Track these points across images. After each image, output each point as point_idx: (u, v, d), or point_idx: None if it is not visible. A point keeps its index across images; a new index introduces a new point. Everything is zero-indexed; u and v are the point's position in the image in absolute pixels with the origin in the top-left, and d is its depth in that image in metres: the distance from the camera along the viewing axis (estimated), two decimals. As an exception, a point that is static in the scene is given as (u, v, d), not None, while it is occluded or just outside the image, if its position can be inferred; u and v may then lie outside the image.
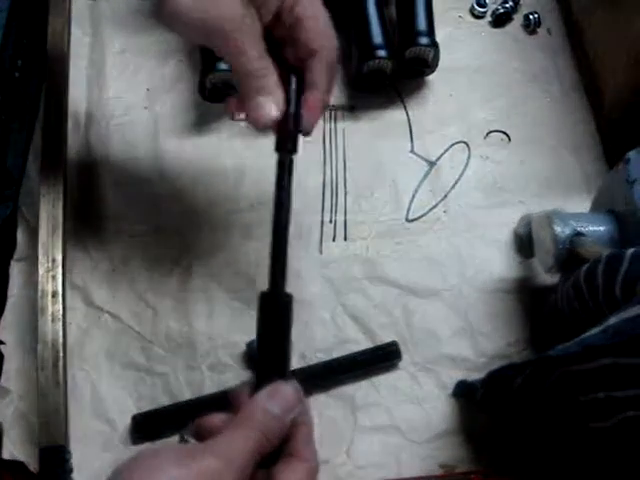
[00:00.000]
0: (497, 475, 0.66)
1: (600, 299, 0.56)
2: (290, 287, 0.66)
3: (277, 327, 0.52)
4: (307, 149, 0.64)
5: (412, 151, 0.80)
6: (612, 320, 0.52)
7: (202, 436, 0.49)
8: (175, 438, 0.67)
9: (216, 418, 0.51)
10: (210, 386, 0.70)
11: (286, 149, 0.56)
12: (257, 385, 0.50)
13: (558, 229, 0.65)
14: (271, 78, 0.56)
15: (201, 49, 0.79)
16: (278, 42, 0.58)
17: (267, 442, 0.47)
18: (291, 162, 0.56)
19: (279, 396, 0.49)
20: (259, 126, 0.56)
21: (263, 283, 0.71)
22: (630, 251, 0.54)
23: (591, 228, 0.65)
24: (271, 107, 0.55)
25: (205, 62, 0.77)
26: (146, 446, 0.67)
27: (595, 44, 0.83)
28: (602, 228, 0.65)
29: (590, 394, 0.55)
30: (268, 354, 0.52)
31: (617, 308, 0.53)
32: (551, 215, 0.66)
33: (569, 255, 0.64)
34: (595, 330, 0.53)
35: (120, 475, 0.44)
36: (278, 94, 0.56)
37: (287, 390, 0.50)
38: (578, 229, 0.64)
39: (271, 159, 0.77)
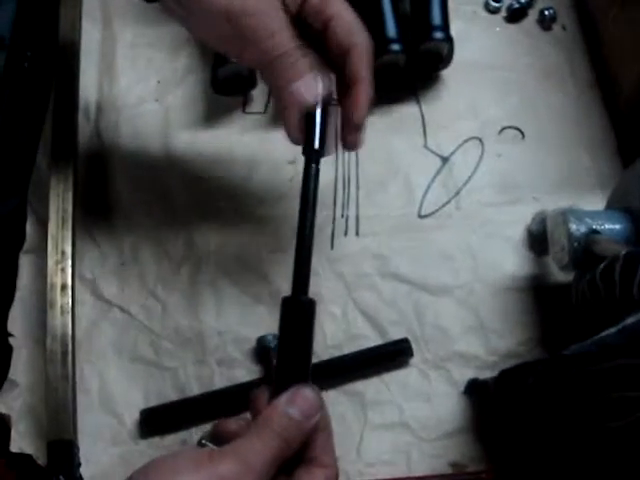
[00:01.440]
0: (508, 474, 0.65)
1: (617, 298, 0.55)
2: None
3: (299, 332, 0.51)
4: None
5: (425, 146, 0.79)
6: (629, 320, 0.51)
7: (220, 441, 0.49)
8: (181, 435, 0.67)
9: (235, 423, 0.50)
10: (219, 381, 0.69)
11: (313, 152, 0.55)
12: (276, 389, 0.49)
13: (573, 227, 0.64)
14: (311, 56, 0.55)
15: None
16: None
17: (287, 448, 0.47)
18: (317, 171, 0.55)
19: (300, 401, 0.48)
20: (305, 103, 0.54)
21: (274, 278, 0.72)
22: (649, 250, 0.53)
23: (607, 226, 0.64)
24: (318, 81, 0.54)
25: (217, 54, 0.76)
26: (154, 441, 0.67)
27: (610, 41, 0.82)
28: (618, 226, 0.64)
29: (604, 394, 0.54)
30: (289, 359, 0.51)
31: (634, 308, 0.53)
32: (566, 212, 0.65)
33: (584, 253, 0.63)
34: (612, 330, 0.52)
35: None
36: (322, 69, 0.55)
37: (308, 395, 0.49)
38: (594, 227, 0.64)
39: (283, 155, 0.77)
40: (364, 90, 0.57)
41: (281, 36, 0.53)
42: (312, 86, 0.54)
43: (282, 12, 0.54)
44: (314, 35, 0.56)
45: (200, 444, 0.49)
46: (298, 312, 0.51)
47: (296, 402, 0.48)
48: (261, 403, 0.50)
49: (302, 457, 0.49)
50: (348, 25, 0.56)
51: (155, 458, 0.45)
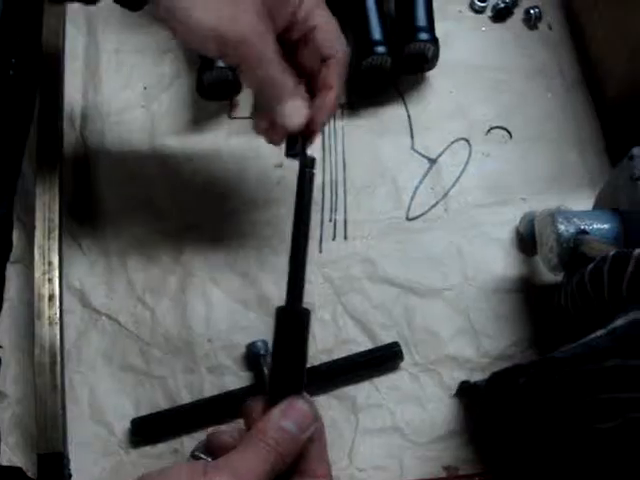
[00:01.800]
0: (501, 476, 0.65)
1: (606, 299, 0.55)
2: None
3: (293, 343, 0.50)
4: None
5: (412, 148, 0.79)
6: (619, 322, 0.51)
7: (214, 452, 0.48)
8: (172, 443, 0.67)
9: (228, 434, 0.49)
10: (210, 389, 0.69)
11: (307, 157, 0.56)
12: (271, 400, 0.49)
13: (562, 227, 0.64)
14: (293, 81, 0.57)
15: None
16: (290, 48, 0.59)
17: (282, 461, 0.46)
18: (312, 176, 0.54)
19: (294, 413, 0.47)
20: (290, 130, 0.57)
21: (263, 284, 0.72)
22: (637, 251, 0.53)
23: (595, 226, 0.64)
24: (301, 110, 0.57)
25: (203, 59, 0.76)
26: (146, 450, 0.67)
27: (597, 39, 0.82)
28: (606, 226, 0.64)
29: (594, 395, 0.54)
30: (283, 369, 0.50)
31: (623, 308, 0.52)
32: (554, 213, 0.65)
33: (573, 254, 0.63)
34: (601, 332, 0.52)
35: None
36: (304, 96, 0.58)
37: (302, 407, 0.48)
38: (582, 227, 0.64)
39: (270, 159, 0.77)
40: (334, 98, 0.59)
41: (269, 64, 0.55)
42: (298, 111, 0.56)
43: (271, 35, 0.55)
44: (289, 44, 0.58)
45: (194, 456, 0.49)
46: (293, 322, 0.51)
47: (290, 415, 0.47)
48: (255, 413, 0.49)
49: (296, 469, 0.48)
50: (330, 35, 0.58)
51: (145, 474, 0.45)
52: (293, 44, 0.59)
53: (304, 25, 0.57)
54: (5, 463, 0.65)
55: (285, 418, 0.47)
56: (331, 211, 0.76)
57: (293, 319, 0.51)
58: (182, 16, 0.53)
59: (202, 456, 0.48)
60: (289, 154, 0.59)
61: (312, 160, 0.55)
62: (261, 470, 0.45)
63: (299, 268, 0.52)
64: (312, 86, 0.60)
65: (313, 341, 0.70)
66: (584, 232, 0.63)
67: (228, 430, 0.50)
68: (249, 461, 0.45)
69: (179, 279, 0.73)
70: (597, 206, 0.69)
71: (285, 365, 0.50)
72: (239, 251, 0.74)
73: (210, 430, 0.64)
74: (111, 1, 0.63)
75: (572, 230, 0.64)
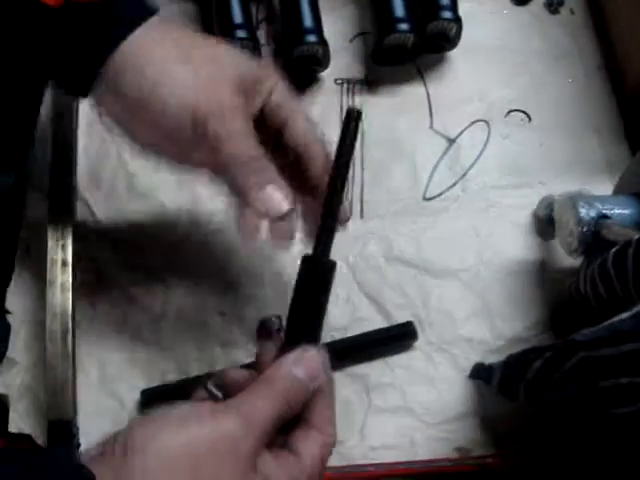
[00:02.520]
0: (513, 459, 0.65)
1: (630, 284, 0.55)
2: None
3: (315, 292, 0.49)
4: (323, 123, 0.62)
5: (431, 127, 0.78)
6: (644, 305, 0.50)
7: (226, 388, 0.48)
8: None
9: (240, 373, 0.49)
10: (221, 362, 0.69)
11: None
12: (284, 347, 0.49)
13: (583, 211, 0.63)
14: (271, 167, 0.53)
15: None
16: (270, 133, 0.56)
17: (289, 408, 0.46)
18: (359, 114, 0.50)
19: (306, 362, 0.47)
20: (272, 217, 0.53)
21: (279, 259, 0.71)
22: (664, 235, 0.53)
23: (617, 211, 0.63)
24: (280, 197, 0.52)
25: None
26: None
27: (618, 24, 0.81)
28: (628, 211, 0.63)
29: (612, 379, 0.53)
30: (301, 318, 0.50)
31: (648, 292, 0.52)
32: (575, 197, 0.65)
33: (594, 238, 0.63)
34: (625, 315, 0.51)
35: (124, 435, 0.43)
36: (282, 183, 0.53)
37: (314, 356, 0.48)
38: (603, 212, 0.63)
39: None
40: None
41: (248, 142, 0.52)
42: (276, 195, 0.52)
43: (246, 115, 0.53)
44: (270, 132, 0.56)
45: (206, 389, 0.48)
46: (317, 272, 0.50)
47: (301, 363, 0.47)
48: (268, 358, 0.49)
49: (302, 418, 0.48)
50: (301, 130, 0.55)
51: (148, 415, 0.44)
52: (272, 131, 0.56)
53: (276, 117, 0.55)
54: (14, 430, 0.65)
55: (296, 365, 0.47)
56: (348, 190, 0.75)
57: (318, 268, 0.50)
58: (163, 95, 0.51)
59: (214, 390, 0.48)
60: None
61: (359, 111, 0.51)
62: (269, 415, 0.45)
63: (332, 216, 0.50)
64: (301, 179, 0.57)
65: (327, 318, 0.69)
66: (605, 216, 0.63)
67: (244, 370, 0.50)
68: (258, 406, 0.45)
69: (193, 252, 0.72)
70: (617, 191, 0.69)
71: (304, 314, 0.50)
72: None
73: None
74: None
75: (593, 214, 0.63)
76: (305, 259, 0.50)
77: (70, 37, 0.52)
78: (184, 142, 0.54)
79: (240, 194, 0.53)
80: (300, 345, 0.48)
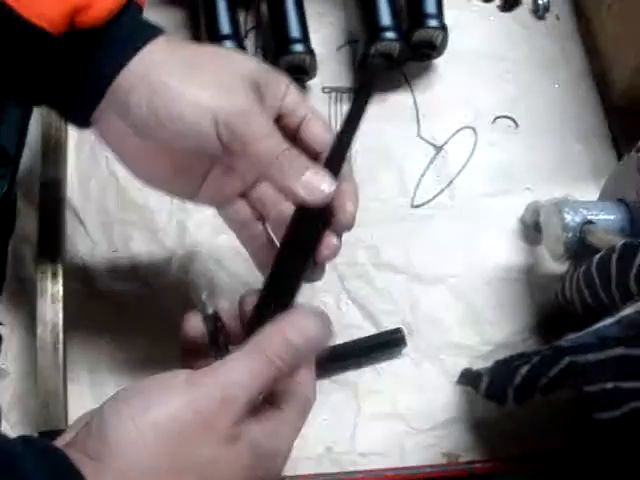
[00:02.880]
0: (502, 464, 0.65)
1: (613, 289, 0.55)
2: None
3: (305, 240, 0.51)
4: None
5: (418, 135, 0.79)
6: (627, 311, 0.51)
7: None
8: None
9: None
10: (212, 371, 0.69)
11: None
12: (267, 297, 0.49)
13: (568, 217, 0.64)
14: (303, 155, 0.51)
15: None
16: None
17: (279, 376, 0.44)
18: (371, 87, 0.51)
19: (304, 329, 0.45)
20: (318, 203, 0.49)
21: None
22: (646, 241, 0.53)
23: (602, 217, 0.64)
24: (320, 180, 0.49)
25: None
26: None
27: (604, 30, 0.82)
28: (613, 217, 0.64)
29: (598, 384, 0.54)
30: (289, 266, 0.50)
31: (631, 299, 0.53)
32: (561, 203, 0.65)
33: (579, 243, 0.63)
34: (609, 321, 0.52)
35: (98, 419, 0.42)
36: (319, 167, 0.50)
37: (312, 323, 0.45)
38: (589, 217, 0.64)
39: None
40: (349, 187, 0.55)
41: (276, 137, 0.50)
42: (320, 179, 0.49)
43: (267, 115, 0.51)
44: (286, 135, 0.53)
45: (201, 299, 0.47)
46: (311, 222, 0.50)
47: (299, 329, 0.44)
48: (247, 306, 0.50)
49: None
50: (318, 130, 0.54)
51: (120, 390, 0.43)
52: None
53: (296, 115, 0.53)
54: (5, 440, 0.65)
55: (292, 330, 0.44)
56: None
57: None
58: (180, 111, 0.49)
59: (206, 304, 0.47)
60: None
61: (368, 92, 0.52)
62: (253, 387, 0.42)
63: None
64: None
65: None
66: (590, 222, 0.64)
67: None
68: (241, 378, 0.42)
69: (182, 260, 0.73)
70: (603, 197, 0.69)
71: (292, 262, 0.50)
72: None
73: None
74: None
75: (578, 220, 0.64)
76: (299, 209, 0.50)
77: (71, 63, 0.50)
78: (207, 157, 0.54)
79: (281, 188, 0.50)
80: (286, 295, 0.48)
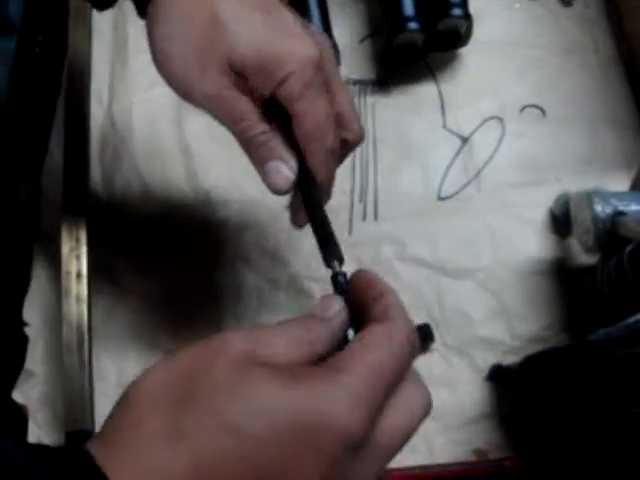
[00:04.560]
0: (532, 461, 0.64)
1: (646, 282, 0.54)
2: (318, 269, 0.65)
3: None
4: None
5: (444, 127, 0.77)
6: (660, 305, 0.50)
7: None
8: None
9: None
10: (237, 368, 0.68)
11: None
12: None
13: (599, 208, 0.62)
14: (276, 141, 0.51)
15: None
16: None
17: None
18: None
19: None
20: (279, 192, 0.52)
21: (292, 263, 0.71)
22: (680, 233, 0.52)
23: (633, 207, 0.62)
24: (284, 170, 0.51)
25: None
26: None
27: (633, 16, 0.80)
28: (645, 207, 0.62)
29: (633, 379, 0.53)
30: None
31: (664, 292, 0.51)
32: (591, 194, 0.64)
33: (610, 235, 0.62)
34: (642, 315, 0.51)
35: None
36: (287, 156, 0.51)
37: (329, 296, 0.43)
38: (620, 208, 0.62)
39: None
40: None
41: (248, 120, 0.50)
42: (279, 171, 0.51)
43: (243, 97, 0.50)
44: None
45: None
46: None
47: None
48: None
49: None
50: (308, 128, 0.51)
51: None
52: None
53: (289, 108, 0.51)
54: (33, 441, 0.65)
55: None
56: (361, 191, 0.75)
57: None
58: (166, 51, 0.52)
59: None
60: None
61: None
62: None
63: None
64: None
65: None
66: (621, 213, 0.62)
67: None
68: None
69: (208, 258, 0.72)
70: (634, 187, 0.68)
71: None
72: (269, 230, 0.73)
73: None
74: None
75: (609, 211, 0.62)
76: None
77: None
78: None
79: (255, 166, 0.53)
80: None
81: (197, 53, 0.51)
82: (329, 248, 0.48)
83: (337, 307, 0.41)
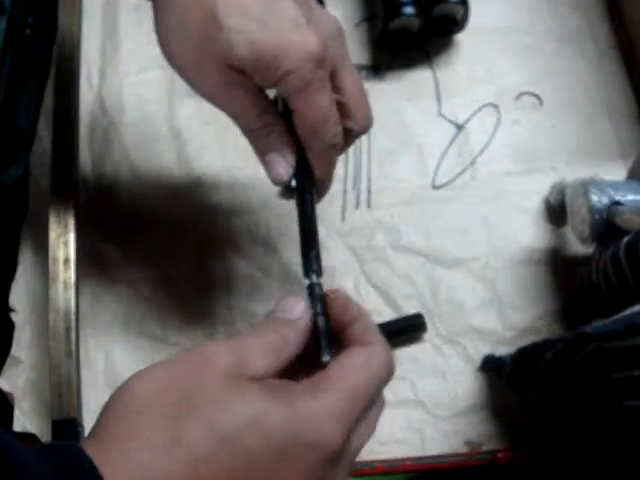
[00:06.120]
0: (525, 453, 0.64)
1: (642, 273, 0.53)
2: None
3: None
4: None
5: (439, 113, 0.76)
6: (657, 297, 0.49)
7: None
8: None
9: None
10: (228, 357, 0.67)
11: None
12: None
13: (595, 198, 0.61)
14: (275, 135, 0.52)
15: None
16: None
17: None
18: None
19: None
20: (277, 183, 0.53)
21: (283, 251, 0.70)
22: (677, 223, 0.51)
23: (630, 197, 0.61)
24: (282, 162, 0.52)
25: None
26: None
27: (631, 4, 0.79)
28: (641, 197, 0.61)
29: (625, 372, 0.52)
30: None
31: (660, 283, 0.51)
32: (587, 183, 0.63)
33: (606, 225, 0.61)
34: (637, 307, 0.50)
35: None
36: (285, 150, 0.52)
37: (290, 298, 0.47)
38: (616, 198, 0.61)
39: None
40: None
41: (248, 113, 0.51)
42: (277, 163, 0.52)
43: (242, 92, 0.51)
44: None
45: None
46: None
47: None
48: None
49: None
50: (306, 122, 0.51)
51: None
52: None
53: (289, 103, 0.51)
54: (19, 429, 0.64)
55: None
56: (355, 179, 0.74)
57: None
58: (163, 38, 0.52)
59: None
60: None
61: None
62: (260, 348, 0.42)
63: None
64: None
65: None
66: (618, 203, 0.61)
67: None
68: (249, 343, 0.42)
69: (197, 245, 0.71)
70: (631, 177, 0.67)
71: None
72: (260, 217, 0.72)
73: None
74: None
75: (605, 201, 0.61)
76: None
77: None
78: None
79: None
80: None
81: (195, 51, 0.50)
82: (310, 260, 0.50)
83: (301, 306, 0.45)
